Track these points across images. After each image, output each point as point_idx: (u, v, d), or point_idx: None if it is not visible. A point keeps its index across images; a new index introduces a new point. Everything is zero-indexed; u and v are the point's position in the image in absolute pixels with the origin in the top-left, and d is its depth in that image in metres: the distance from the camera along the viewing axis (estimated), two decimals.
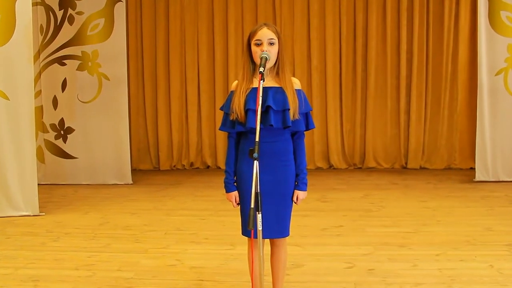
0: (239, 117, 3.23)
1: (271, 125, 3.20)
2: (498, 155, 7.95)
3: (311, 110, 3.41)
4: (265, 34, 3.24)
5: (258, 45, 3.24)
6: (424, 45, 9.18)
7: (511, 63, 7.75)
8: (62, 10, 8.13)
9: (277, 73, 3.30)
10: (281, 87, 3.26)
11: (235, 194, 3.37)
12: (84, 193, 7.79)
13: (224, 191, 3.40)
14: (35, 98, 6.80)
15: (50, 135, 8.41)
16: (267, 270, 3.52)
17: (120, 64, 8.19)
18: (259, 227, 2.94)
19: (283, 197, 3.32)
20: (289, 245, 3.63)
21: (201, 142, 9.74)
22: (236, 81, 3.36)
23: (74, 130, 8.34)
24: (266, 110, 3.20)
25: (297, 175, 3.36)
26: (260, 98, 3.01)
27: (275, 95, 3.24)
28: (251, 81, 3.29)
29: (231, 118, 3.28)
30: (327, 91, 9.44)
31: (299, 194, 3.35)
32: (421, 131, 9.32)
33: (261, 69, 3.10)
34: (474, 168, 8.14)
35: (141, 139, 9.79)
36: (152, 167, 9.81)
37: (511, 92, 7.81)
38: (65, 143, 8.38)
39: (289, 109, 3.21)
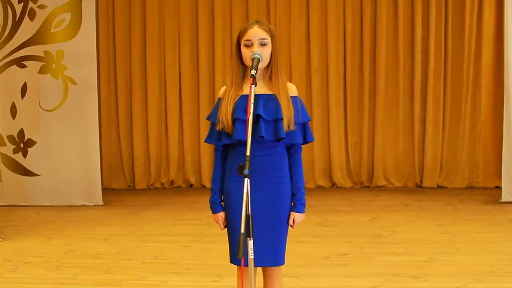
0: (226, 127, 3.28)
1: (262, 137, 3.24)
2: None
3: (310, 120, 3.44)
4: (256, 33, 3.29)
5: (248, 46, 3.29)
6: (442, 44, 9.24)
7: None
8: (22, 4, 8.16)
9: (270, 78, 3.35)
10: (273, 94, 3.31)
11: (221, 215, 3.41)
12: (47, 216, 7.79)
13: (210, 212, 3.44)
14: None
15: (8, 149, 8.40)
16: None
17: (89, 66, 8.21)
18: (251, 255, 2.96)
19: (277, 220, 3.35)
20: (285, 276, 3.66)
21: (183, 157, 9.78)
22: (224, 87, 3.41)
23: (35, 142, 8.35)
24: (256, 119, 3.23)
25: (293, 195, 3.39)
26: (252, 106, 3.04)
27: (267, 103, 3.29)
28: (240, 87, 3.34)
29: (217, 129, 3.33)
30: (330, 98, 9.49)
31: (296, 216, 3.38)
32: (438, 144, 9.37)
33: (253, 71, 3.14)
34: (500, 187, 8.21)
35: (113, 154, 9.81)
36: (126, 185, 9.84)
37: None
38: (25, 157, 8.38)
39: (282, 119, 3.25)
